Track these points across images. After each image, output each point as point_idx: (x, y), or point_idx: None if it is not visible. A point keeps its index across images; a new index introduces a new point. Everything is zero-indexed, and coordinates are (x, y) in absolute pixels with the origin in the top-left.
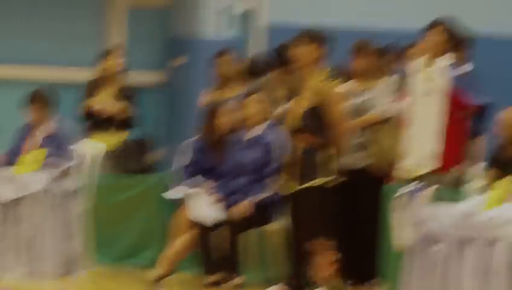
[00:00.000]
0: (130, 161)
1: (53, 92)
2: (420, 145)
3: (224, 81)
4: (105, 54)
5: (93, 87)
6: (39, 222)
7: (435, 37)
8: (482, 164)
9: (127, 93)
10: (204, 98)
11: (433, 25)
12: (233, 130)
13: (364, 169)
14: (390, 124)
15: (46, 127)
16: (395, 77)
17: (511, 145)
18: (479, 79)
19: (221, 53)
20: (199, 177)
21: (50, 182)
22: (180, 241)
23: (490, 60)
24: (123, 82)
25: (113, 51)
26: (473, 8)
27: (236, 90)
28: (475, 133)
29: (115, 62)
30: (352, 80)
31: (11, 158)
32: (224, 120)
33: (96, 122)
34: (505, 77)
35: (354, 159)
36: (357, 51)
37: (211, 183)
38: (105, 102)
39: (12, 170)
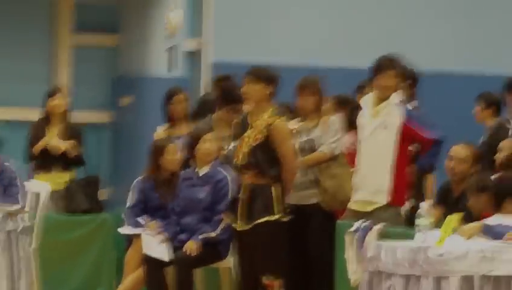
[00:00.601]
0: (78, 199)
1: None
2: (370, 180)
3: (176, 120)
4: (51, 93)
5: (39, 127)
6: None
7: (387, 80)
8: (431, 201)
9: (74, 132)
10: (158, 135)
11: (385, 67)
12: (181, 167)
13: (314, 206)
14: (339, 161)
15: None
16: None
17: (458, 184)
18: (428, 115)
19: (174, 91)
20: (144, 217)
21: None
22: (129, 280)
23: (437, 96)
24: (69, 121)
25: (59, 90)
26: (416, 45)
27: (185, 128)
28: (425, 169)
29: (61, 101)
30: (296, 118)
31: None
32: (173, 158)
33: (43, 162)
34: (452, 113)
35: (303, 196)
36: (301, 89)
37: (158, 223)
38: (53, 141)
39: None
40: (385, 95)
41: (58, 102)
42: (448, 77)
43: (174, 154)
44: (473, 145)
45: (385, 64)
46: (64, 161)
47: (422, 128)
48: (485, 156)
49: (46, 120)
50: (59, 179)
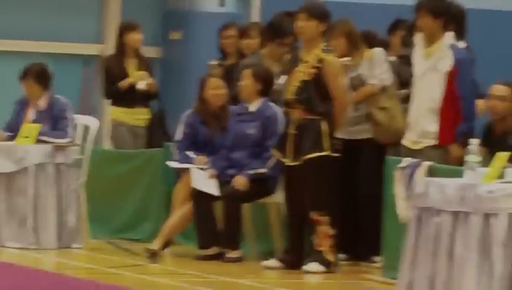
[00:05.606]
0: (159, 136)
1: (46, 66)
2: (419, 122)
3: (228, 54)
4: (132, 27)
5: (116, 62)
6: (34, 195)
7: (423, 20)
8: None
9: (147, 66)
10: (211, 69)
11: (421, 6)
12: (230, 103)
13: (365, 140)
14: (388, 93)
15: (40, 101)
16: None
17: (500, 122)
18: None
19: (226, 26)
20: (192, 152)
21: (44, 157)
22: (178, 214)
23: (482, 32)
24: (143, 55)
25: (134, 25)
26: None
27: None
28: (467, 134)
29: (137, 37)
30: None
31: (9, 132)
32: (216, 92)
33: (126, 97)
34: (496, 49)
35: (354, 131)
36: (331, 32)
37: (205, 158)
38: (140, 77)
39: (10, 143)
40: (426, 35)
41: (140, 37)
42: (493, 14)
43: (217, 89)
44: None
45: (422, 3)
46: (146, 97)
47: (464, 79)
48: None
49: (121, 54)
50: (141, 115)
